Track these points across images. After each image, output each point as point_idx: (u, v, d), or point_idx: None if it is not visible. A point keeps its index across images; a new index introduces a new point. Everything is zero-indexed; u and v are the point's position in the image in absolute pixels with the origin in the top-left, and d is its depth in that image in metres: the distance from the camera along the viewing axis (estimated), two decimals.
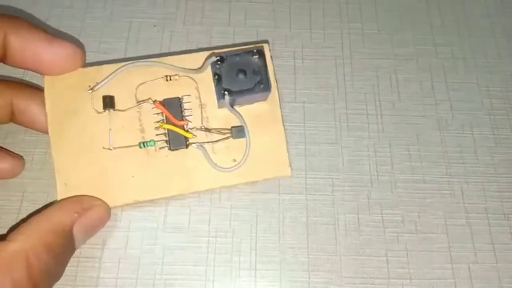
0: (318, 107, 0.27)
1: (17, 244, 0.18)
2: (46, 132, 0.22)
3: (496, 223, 0.24)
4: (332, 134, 0.26)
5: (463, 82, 0.28)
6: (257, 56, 0.22)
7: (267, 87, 0.22)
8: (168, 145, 0.22)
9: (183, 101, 0.23)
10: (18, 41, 0.21)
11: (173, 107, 0.22)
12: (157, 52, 0.28)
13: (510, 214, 0.24)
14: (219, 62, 0.22)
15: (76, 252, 0.23)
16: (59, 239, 0.20)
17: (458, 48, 0.29)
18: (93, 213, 0.21)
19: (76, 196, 0.22)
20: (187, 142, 0.22)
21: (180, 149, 0.22)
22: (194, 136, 0.23)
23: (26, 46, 0.21)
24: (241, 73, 0.22)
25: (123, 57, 0.28)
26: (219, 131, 0.23)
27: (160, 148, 0.22)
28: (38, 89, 0.23)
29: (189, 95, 0.23)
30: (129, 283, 0.22)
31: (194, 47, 0.28)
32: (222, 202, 0.24)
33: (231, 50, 0.22)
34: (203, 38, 0.29)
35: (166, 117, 0.22)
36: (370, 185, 0.25)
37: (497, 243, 0.24)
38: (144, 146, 0.22)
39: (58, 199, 0.21)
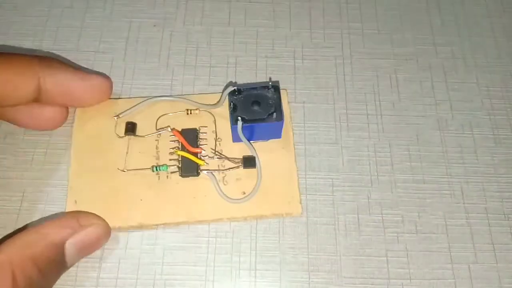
0: (318, 107, 0.27)
1: (3, 256, 0.18)
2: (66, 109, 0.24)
3: (496, 223, 0.24)
4: (332, 134, 0.26)
5: (463, 82, 0.28)
6: (272, 90, 0.23)
7: (279, 117, 0.22)
8: (180, 171, 0.23)
9: (199, 132, 0.24)
10: (52, 82, 0.22)
11: (189, 136, 0.24)
12: (157, 51, 0.28)
13: (510, 214, 0.24)
14: (236, 93, 0.23)
15: None
16: (48, 253, 0.19)
17: (458, 48, 0.29)
18: (90, 231, 0.21)
19: (75, 211, 0.22)
20: (199, 170, 0.23)
21: (191, 177, 0.23)
22: (206, 164, 0.23)
23: (60, 86, 0.22)
24: (255, 104, 0.23)
25: (123, 57, 0.28)
26: (230, 159, 0.24)
27: (172, 172, 0.23)
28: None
29: (206, 127, 0.24)
30: (129, 283, 0.22)
31: (194, 47, 0.28)
32: None
33: (248, 84, 0.24)
34: (203, 38, 0.29)
35: (181, 144, 0.24)
36: (370, 185, 0.25)
37: (497, 243, 0.24)
38: (157, 170, 0.23)
39: None
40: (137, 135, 0.24)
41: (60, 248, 0.20)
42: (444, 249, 0.23)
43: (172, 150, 0.24)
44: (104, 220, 0.22)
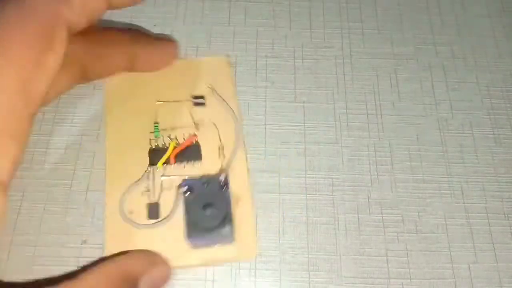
0: (318, 107, 0.27)
1: (87, 284, 0.19)
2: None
3: (496, 223, 0.24)
4: (332, 134, 0.26)
5: (463, 81, 0.28)
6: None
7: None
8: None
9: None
10: (141, 57, 0.25)
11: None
12: None
13: (510, 214, 0.24)
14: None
15: (76, 252, 0.23)
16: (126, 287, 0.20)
17: (458, 47, 0.29)
18: (160, 270, 0.21)
19: (145, 250, 0.22)
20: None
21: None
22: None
23: (150, 55, 0.25)
24: (208, 207, 0.22)
25: None
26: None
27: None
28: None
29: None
30: None
31: (194, 47, 0.28)
32: None
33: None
34: (203, 38, 0.29)
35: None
36: (370, 185, 0.25)
37: (497, 243, 0.24)
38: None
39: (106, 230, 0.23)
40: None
41: (135, 282, 0.20)
42: (444, 249, 0.23)
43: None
44: (167, 261, 0.22)
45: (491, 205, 0.25)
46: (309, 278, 0.23)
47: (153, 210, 0.23)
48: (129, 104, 0.25)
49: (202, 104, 0.25)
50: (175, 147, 0.24)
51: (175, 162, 0.24)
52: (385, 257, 0.23)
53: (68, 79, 0.23)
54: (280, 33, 0.29)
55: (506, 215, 0.24)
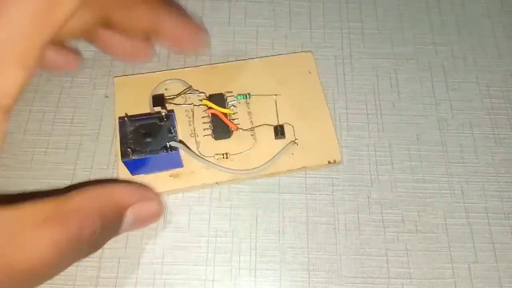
0: None
1: (73, 202, 0.18)
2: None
3: (496, 223, 0.24)
4: None
5: (463, 81, 0.28)
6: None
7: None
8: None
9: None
10: (170, 24, 0.25)
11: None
12: (157, 50, 0.28)
13: (510, 214, 0.24)
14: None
15: None
16: (112, 215, 0.20)
17: (458, 47, 0.29)
18: (151, 205, 0.21)
19: (139, 183, 0.22)
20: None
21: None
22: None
23: (176, 29, 0.25)
24: (147, 136, 0.22)
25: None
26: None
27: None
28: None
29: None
30: (129, 283, 0.22)
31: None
32: (222, 202, 0.24)
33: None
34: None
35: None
36: (370, 185, 0.25)
37: (497, 243, 0.24)
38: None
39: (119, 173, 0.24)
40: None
41: (122, 211, 0.20)
42: (444, 249, 0.23)
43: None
44: (161, 198, 0.22)
45: (491, 205, 0.25)
46: (309, 278, 0.23)
47: None
48: None
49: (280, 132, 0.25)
50: (223, 113, 0.25)
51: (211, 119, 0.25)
52: (385, 257, 0.23)
53: (88, 20, 0.23)
54: (280, 33, 0.29)
55: (506, 215, 0.24)
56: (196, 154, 0.24)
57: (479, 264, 0.23)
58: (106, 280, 0.22)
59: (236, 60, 0.27)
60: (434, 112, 0.27)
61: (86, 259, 0.22)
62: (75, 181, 0.24)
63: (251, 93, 0.26)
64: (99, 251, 0.22)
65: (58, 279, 0.22)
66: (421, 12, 0.30)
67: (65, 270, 0.21)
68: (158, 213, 0.22)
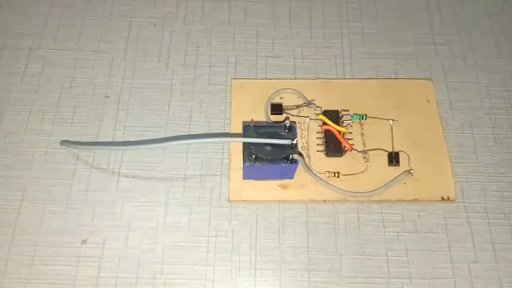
0: None
1: None
2: None
3: (496, 223, 0.24)
4: None
5: (463, 81, 0.28)
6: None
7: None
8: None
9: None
10: None
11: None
12: (157, 50, 0.28)
13: (510, 214, 0.24)
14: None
15: (76, 252, 0.23)
16: None
17: (458, 47, 0.29)
18: None
19: None
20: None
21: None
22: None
23: None
24: (270, 145, 0.22)
25: (123, 56, 0.28)
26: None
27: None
28: None
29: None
30: (129, 283, 0.22)
31: (194, 46, 0.28)
32: (222, 202, 0.24)
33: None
34: (203, 37, 0.29)
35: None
36: None
37: (497, 243, 0.24)
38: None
39: None
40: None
41: None
42: (444, 249, 0.23)
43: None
44: None
45: (491, 205, 0.25)
46: (309, 278, 0.23)
47: None
48: None
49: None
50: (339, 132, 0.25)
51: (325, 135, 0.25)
52: (385, 257, 0.23)
53: None
54: (280, 33, 0.29)
55: (506, 215, 0.24)
56: (310, 170, 0.24)
57: (479, 264, 0.23)
58: (106, 279, 0.22)
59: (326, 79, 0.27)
60: None
61: (86, 259, 0.22)
62: (75, 181, 0.24)
63: (368, 115, 0.25)
64: (99, 250, 0.23)
65: (58, 279, 0.22)
66: (421, 12, 0.30)
67: (65, 270, 0.21)
68: None
